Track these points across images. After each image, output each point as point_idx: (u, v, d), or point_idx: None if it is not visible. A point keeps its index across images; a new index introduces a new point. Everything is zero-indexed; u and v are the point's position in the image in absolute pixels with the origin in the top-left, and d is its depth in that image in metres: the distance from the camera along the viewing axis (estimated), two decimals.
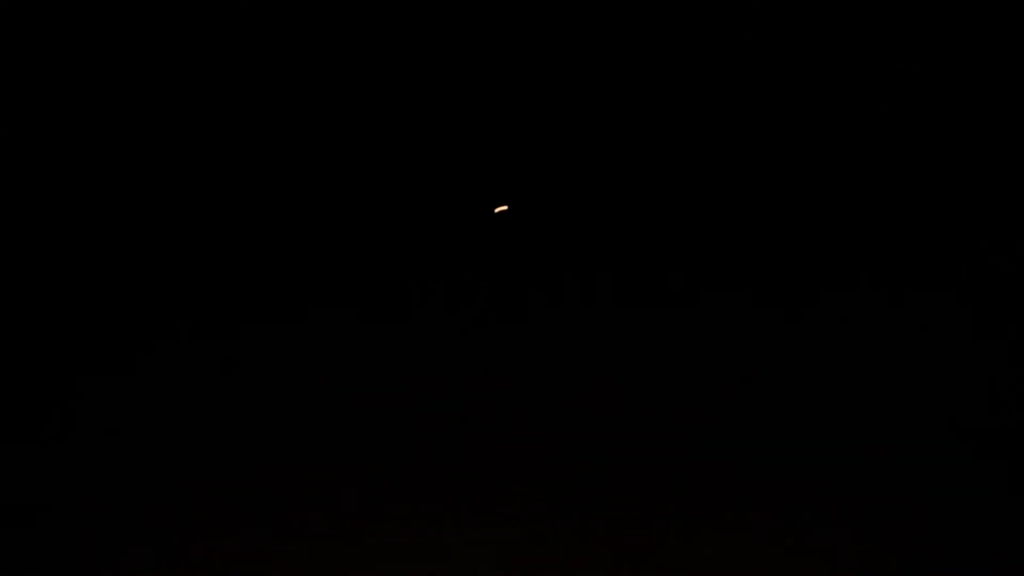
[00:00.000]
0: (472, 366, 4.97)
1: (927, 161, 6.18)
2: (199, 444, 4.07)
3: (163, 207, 6.44)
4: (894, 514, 3.54)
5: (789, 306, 5.73)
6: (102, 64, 6.21)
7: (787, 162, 6.44)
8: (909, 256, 6.04)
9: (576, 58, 6.45)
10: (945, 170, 6.12)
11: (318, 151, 6.65)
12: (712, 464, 3.93)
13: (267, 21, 6.32)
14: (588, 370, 4.91)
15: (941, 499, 3.61)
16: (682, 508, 3.59)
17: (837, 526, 3.47)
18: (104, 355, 5.13)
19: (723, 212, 6.50)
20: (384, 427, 4.25)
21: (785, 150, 6.44)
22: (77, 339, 5.31)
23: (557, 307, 5.92)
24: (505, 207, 4.74)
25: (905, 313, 5.46)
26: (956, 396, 4.49)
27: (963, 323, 5.26)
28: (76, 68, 6.18)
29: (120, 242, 6.30)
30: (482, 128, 6.58)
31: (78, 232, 6.24)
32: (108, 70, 6.23)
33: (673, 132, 6.53)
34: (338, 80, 6.55)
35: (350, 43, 6.45)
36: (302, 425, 4.26)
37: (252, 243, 6.52)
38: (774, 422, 4.28)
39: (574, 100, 6.55)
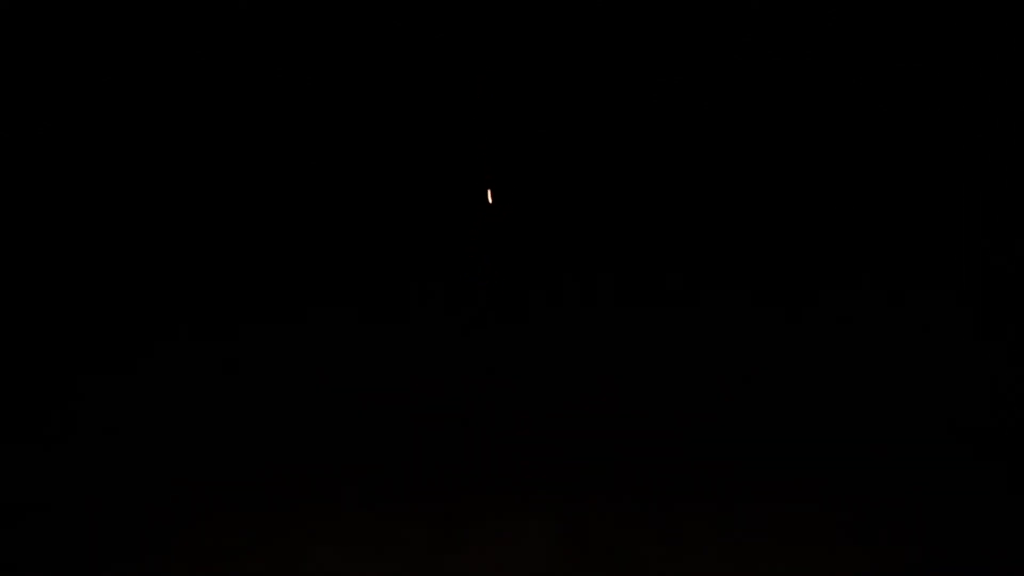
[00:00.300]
0: (472, 366, 4.97)
1: (927, 161, 6.18)
2: (199, 444, 4.07)
3: (163, 207, 6.44)
4: (894, 514, 3.54)
5: (789, 306, 5.73)
6: (102, 64, 6.22)
7: (787, 162, 6.44)
8: (909, 256, 6.04)
9: (576, 58, 6.45)
10: (945, 170, 6.12)
11: (318, 151, 6.65)
12: (712, 464, 3.93)
13: (267, 21, 6.33)
14: (588, 370, 4.91)
15: (941, 499, 3.61)
16: (682, 508, 3.59)
17: (837, 526, 3.47)
18: (104, 355, 5.13)
19: (723, 212, 6.50)
20: (384, 427, 4.25)
21: (785, 150, 6.44)
22: (77, 339, 5.31)
23: (557, 307, 5.92)
24: (492, 195, 4.70)
25: (905, 313, 5.46)
26: (956, 396, 4.49)
27: (963, 323, 5.27)
28: (76, 68, 6.19)
29: (120, 242, 6.31)
30: (482, 128, 6.58)
31: (78, 232, 6.24)
32: (108, 70, 6.23)
33: (673, 132, 6.53)
34: (338, 80, 6.55)
35: (350, 43, 6.46)
36: (302, 425, 4.26)
37: (252, 243, 6.52)
38: (774, 422, 4.28)
39: (574, 100, 6.55)
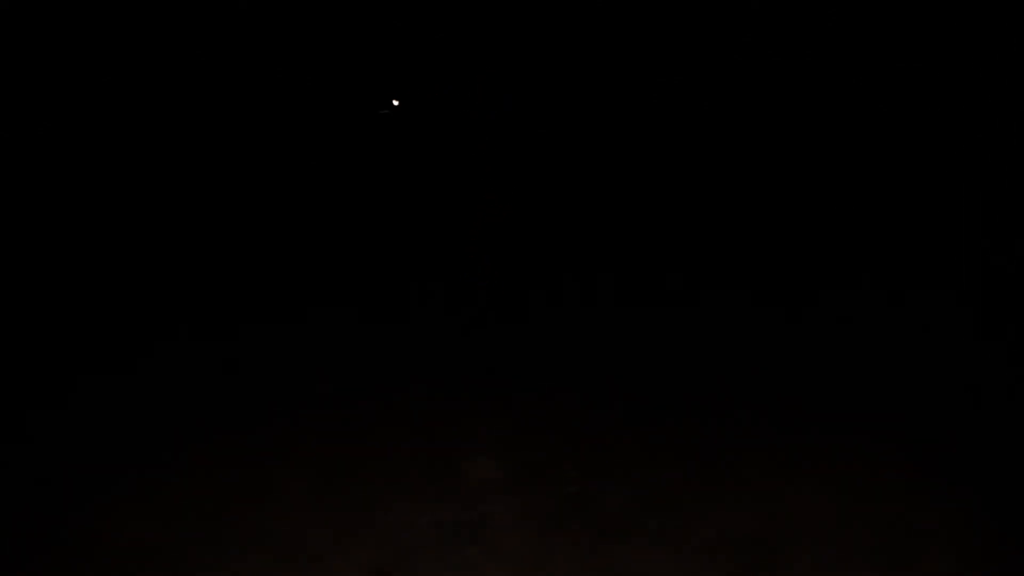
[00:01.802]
0: (472, 366, 4.98)
1: (927, 161, 6.19)
2: (199, 444, 4.07)
3: (163, 207, 6.46)
4: (891, 513, 3.55)
5: (789, 306, 5.73)
6: (102, 64, 6.22)
7: (787, 162, 6.45)
8: (909, 256, 6.05)
9: (576, 58, 6.46)
10: (945, 170, 6.13)
11: (318, 152, 6.66)
12: (712, 465, 3.94)
13: (268, 22, 6.34)
14: (588, 370, 4.92)
15: (941, 500, 3.62)
16: (681, 510, 3.60)
17: (834, 527, 3.48)
18: (104, 355, 5.14)
19: (723, 212, 6.51)
20: (383, 427, 4.26)
21: (785, 150, 6.45)
22: (77, 339, 5.31)
23: (557, 307, 5.93)
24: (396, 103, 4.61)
25: (905, 313, 5.46)
26: (956, 396, 4.49)
27: (963, 323, 5.27)
28: (76, 68, 6.19)
29: (120, 242, 6.32)
30: (482, 128, 6.58)
31: (78, 232, 6.25)
32: (108, 70, 6.24)
33: (673, 132, 6.54)
34: (339, 81, 6.56)
35: (351, 44, 6.46)
36: (302, 425, 4.26)
37: (252, 243, 6.53)
38: (774, 422, 4.29)
39: (574, 100, 6.56)
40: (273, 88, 6.46)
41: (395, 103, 4.88)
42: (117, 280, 6.06)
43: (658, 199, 6.56)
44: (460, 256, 6.37)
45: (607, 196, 6.58)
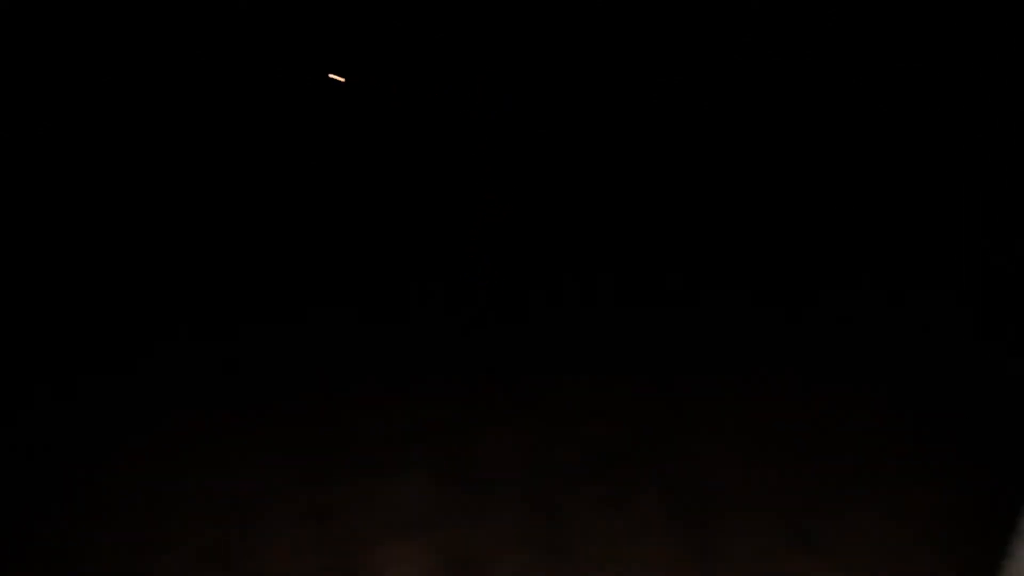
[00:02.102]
0: (472, 366, 4.98)
1: (927, 161, 6.19)
2: (199, 444, 4.08)
3: (163, 207, 6.46)
4: (893, 515, 3.55)
5: (789, 306, 5.74)
6: (102, 64, 6.23)
7: (787, 162, 6.45)
8: (909, 256, 6.05)
9: (576, 59, 6.46)
10: (945, 170, 6.13)
11: (318, 152, 6.66)
12: (713, 465, 3.94)
13: (267, 21, 6.34)
14: (588, 370, 4.92)
15: (940, 501, 3.62)
16: (682, 511, 3.60)
17: (835, 529, 3.48)
18: (104, 355, 5.14)
19: (723, 213, 6.51)
20: (383, 427, 4.26)
21: (785, 150, 6.45)
22: (77, 339, 5.31)
23: (557, 307, 5.93)
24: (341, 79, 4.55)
25: (905, 313, 5.47)
26: (956, 396, 4.50)
27: (963, 323, 5.27)
28: (76, 68, 6.20)
29: (120, 242, 6.32)
30: (482, 129, 6.59)
31: (78, 232, 6.25)
32: (108, 70, 6.24)
33: (673, 132, 6.54)
34: (339, 81, 6.56)
35: (351, 44, 6.47)
36: (302, 426, 4.27)
37: (252, 243, 6.53)
38: (773, 422, 4.29)
39: (574, 100, 6.56)
40: (275, 89, 6.47)
41: (336, 78, 4.80)
42: (117, 280, 6.06)
43: (658, 199, 6.56)
44: (460, 256, 6.37)
45: (607, 196, 6.58)
